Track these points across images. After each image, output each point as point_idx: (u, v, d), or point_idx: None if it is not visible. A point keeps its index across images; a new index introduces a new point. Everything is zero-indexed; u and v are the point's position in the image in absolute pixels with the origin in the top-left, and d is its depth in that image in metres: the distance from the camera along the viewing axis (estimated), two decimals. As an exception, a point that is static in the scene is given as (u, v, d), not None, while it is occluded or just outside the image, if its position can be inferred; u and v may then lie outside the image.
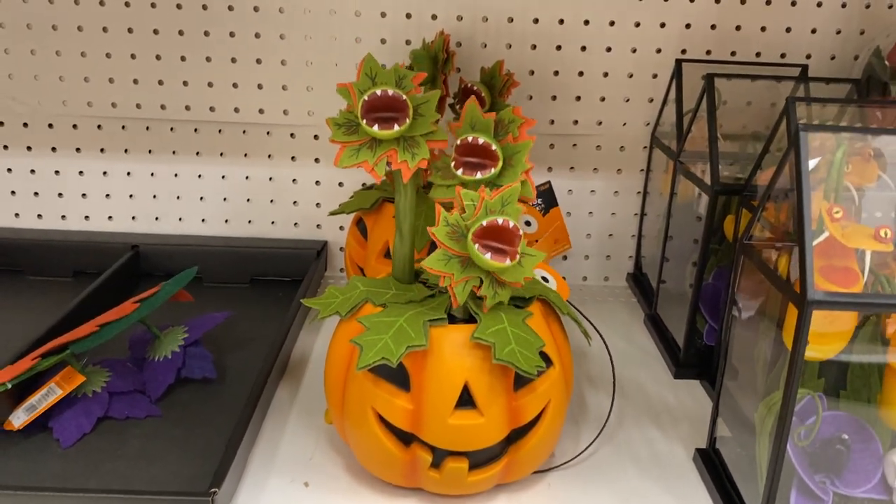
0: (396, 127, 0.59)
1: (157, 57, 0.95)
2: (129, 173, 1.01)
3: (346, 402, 0.61)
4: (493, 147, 0.60)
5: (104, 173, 1.01)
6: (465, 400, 0.58)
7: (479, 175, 0.60)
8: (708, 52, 0.95)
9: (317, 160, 1.00)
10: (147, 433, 0.69)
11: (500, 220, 0.56)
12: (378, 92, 0.58)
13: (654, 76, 0.96)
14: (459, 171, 0.61)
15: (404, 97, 0.59)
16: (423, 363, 0.58)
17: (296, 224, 1.03)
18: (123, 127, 0.99)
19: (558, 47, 0.95)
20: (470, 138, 0.60)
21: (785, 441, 0.55)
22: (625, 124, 0.99)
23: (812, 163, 0.55)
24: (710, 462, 0.67)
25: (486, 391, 0.58)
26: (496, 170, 0.60)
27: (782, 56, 0.96)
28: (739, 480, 0.63)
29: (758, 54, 0.95)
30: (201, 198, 1.02)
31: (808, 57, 0.95)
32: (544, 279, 0.74)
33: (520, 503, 0.63)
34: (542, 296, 0.64)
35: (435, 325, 0.59)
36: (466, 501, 0.63)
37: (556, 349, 0.62)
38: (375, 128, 0.58)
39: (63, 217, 1.03)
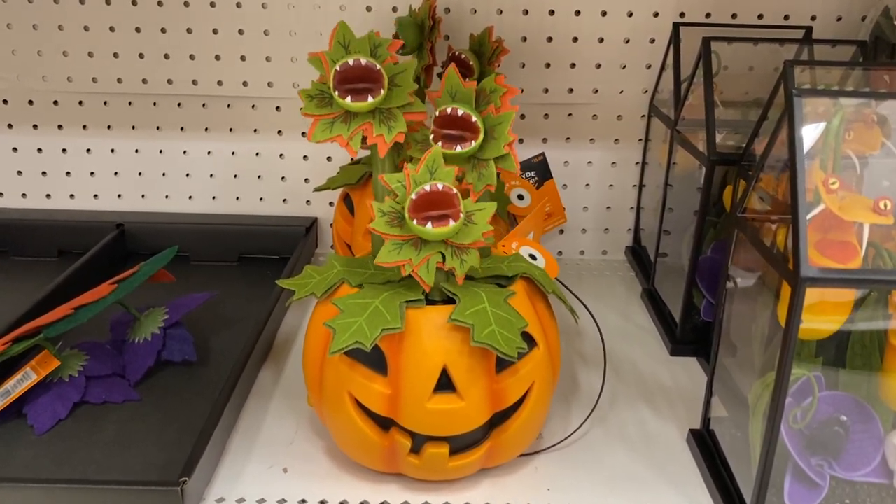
0: (370, 99, 0.56)
1: (137, 29, 0.92)
2: (112, 150, 0.98)
3: (324, 387, 0.59)
4: (474, 119, 0.57)
5: (88, 150, 0.98)
6: (444, 383, 0.55)
7: (458, 148, 0.57)
8: (707, 15, 0.91)
9: (303, 134, 0.97)
10: (124, 418, 0.68)
11: (427, 188, 0.53)
12: (350, 62, 0.55)
13: (652, 41, 0.93)
14: (438, 145, 0.58)
15: (378, 67, 0.56)
16: (399, 346, 0.56)
17: (284, 200, 1.00)
18: (105, 103, 0.96)
19: (551, 12, 0.91)
20: (449, 109, 0.57)
21: (778, 424, 0.52)
22: (622, 92, 0.95)
23: (809, 130, 0.52)
24: (704, 443, 0.65)
25: (465, 374, 0.55)
26: (477, 142, 0.57)
27: (785, 18, 0.91)
28: (734, 463, 0.61)
29: (760, 16, 0.91)
30: (187, 174, 0.99)
31: (813, 18, 0.91)
32: (532, 257, 0.71)
33: (505, 487, 0.61)
34: (526, 274, 0.61)
35: (412, 306, 0.56)
36: (449, 486, 0.61)
37: (540, 329, 0.59)
38: (348, 100, 0.55)
39: (48, 196, 1.01)
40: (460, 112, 0.57)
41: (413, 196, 0.53)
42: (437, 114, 0.58)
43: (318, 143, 0.96)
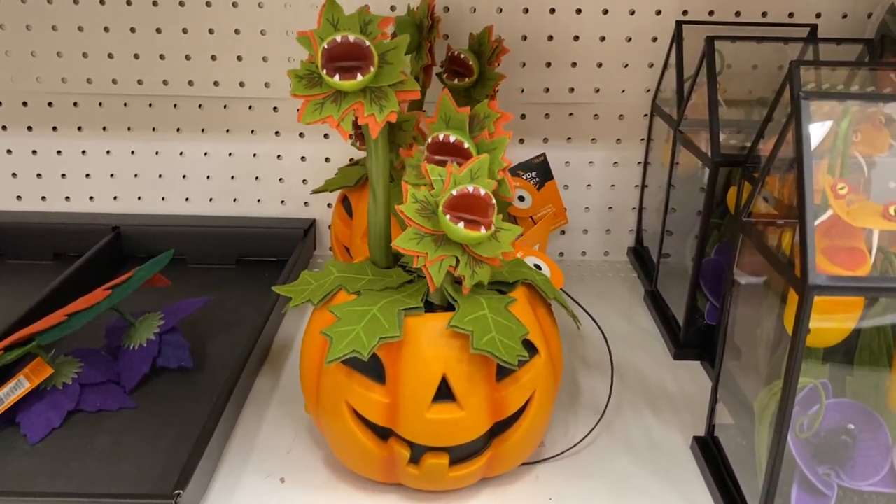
0: (360, 77, 0.53)
1: (132, 30, 0.91)
2: (108, 152, 0.97)
3: (321, 396, 0.58)
4: (466, 145, 0.56)
5: (83, 152, 0.97)
6: (444, 393, 0.54)
7: None
8: (711, 13, 0.90)
9: (301, 135, 0.96)
10: (119, 427, 0.67)
11: (470, 189, 0.52)
12: (338, 38, 0.53)
13: (654, 39, 0.91)
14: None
15: (367, 43, 0.53)
16: (398, 355, 0.55)
17: (282, 202, 0.99)
18: (100, 104, 0.95)
19: (552, 10, 0.90)
20: (441, 136, 0.56)
21: (785, 434, 0.51)
22: (624, 91, 0.94)
23: (816, 132, 0.51)
24: (709, 451, 0.64)
25: (465, 383, 0.54)
26: None
27: (790, 16, 0.90)
28: (739, 472, 0.60)
29: (764, 14, 0.90)
30: (184, 176, 0.98)
31: (818, 16, 0.90)
32: (537, 267, 0.70)
33: (505, 497, 0.60)
34: (527, 280, 0.60)
35: (410, 313, 0.55)
36: (448, 497, 0.60)
37: (542, 336, 0.58)
38: (336, 78, 0.53)
39: (43, 198, 1.00)
40: (452, 139, 0.56)
41: (454, 192, 0.52)
42: (429, 140, 0.57)
43: (318, 145, 0.96)
